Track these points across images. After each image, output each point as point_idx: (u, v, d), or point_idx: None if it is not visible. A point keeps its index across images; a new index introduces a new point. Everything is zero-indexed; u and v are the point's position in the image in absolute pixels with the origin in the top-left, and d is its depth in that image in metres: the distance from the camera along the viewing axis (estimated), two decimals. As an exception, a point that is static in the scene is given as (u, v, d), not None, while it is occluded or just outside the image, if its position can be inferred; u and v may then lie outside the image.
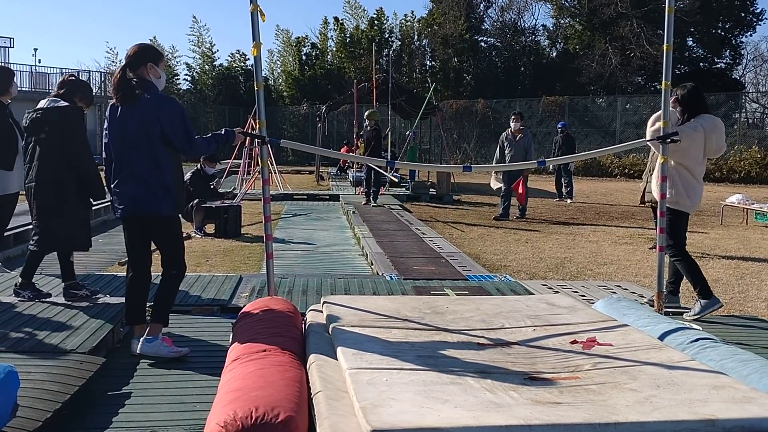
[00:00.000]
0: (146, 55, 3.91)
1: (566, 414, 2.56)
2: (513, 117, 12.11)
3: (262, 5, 4.31)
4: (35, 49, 62.11)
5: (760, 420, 2.54)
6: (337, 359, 3.21)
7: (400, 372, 2.97)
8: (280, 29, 38.82)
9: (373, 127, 13.34)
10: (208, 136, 4.14)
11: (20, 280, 4.88)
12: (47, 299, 4.80)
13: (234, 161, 16.89)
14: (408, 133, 19.40)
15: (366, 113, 13.76)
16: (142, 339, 3.87)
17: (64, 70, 32.60)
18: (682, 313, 5.02)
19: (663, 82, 4.51)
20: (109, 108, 3.94)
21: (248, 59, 36.96)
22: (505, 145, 11.86)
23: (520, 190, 11.65)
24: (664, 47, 4.45)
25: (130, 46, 3.97)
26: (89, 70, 34.02)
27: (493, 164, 12.78)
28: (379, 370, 2.96)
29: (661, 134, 4.68)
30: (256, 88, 4.51)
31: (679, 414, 2.56)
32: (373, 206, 12.70)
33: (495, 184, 12.32)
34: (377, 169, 13.12)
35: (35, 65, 33.69)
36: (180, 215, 4.18)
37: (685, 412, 2.58)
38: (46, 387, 3.09)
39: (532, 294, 5.34)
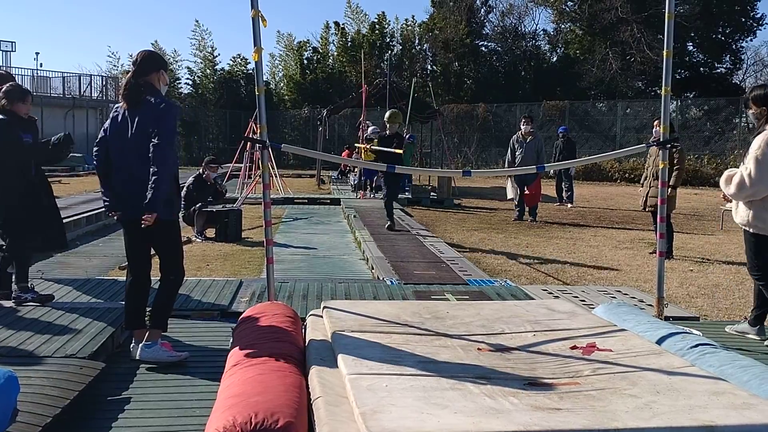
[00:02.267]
0: (157, 63, 3.98)
1: (566, 420, 2.56)
2: (523, 120, 12.24)
3: (264, 10, 4.33)
4: (37, 53, 62.44)
5: (760, 426, 2.53)
6: (337, 365, 3.21)
7: (400, 377, 2.97)
8: (284, 33, 38.92)
9: (395, 131, 11.76)
10: (167, 170, 3.79)
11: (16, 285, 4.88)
12: (49, 302, 4.81)
13: (235, 165, 16.92)
14: (406, 136, 19.34)
15: (387, 114, 11.81)
16: (141, 344, 3.87)
17: (65, 74, 32.70)
18: (682, 319, 5.02)
19: (663, 88, 4.52)
20: (113, 111, 3.99)
21: (249, 63, 37.00)
22: (516, 147, 11.99)
23: (531, 191, 11.78)
24: (664, 53, 4.46)
25: (137, 52, 4.01)
26: (90, 74, 34.09)
27: (498, 169, 12.79)
28: (379, 376, 2.96)
29: (661, 140, 4.68)
30: (257, 93, 4.53)
31: (678, 420, 2.56)
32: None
33: (510, 194, 12.34)
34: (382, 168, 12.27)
35: (37, 69, 33.74)
36: (179, 219, 4.18)
37: (684, 418, 2.57)
38: (46, 392, 3.09)
39: (533, 299, 5.34)
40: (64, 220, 9.64)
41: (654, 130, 8.05)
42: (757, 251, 4.51)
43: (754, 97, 4.50)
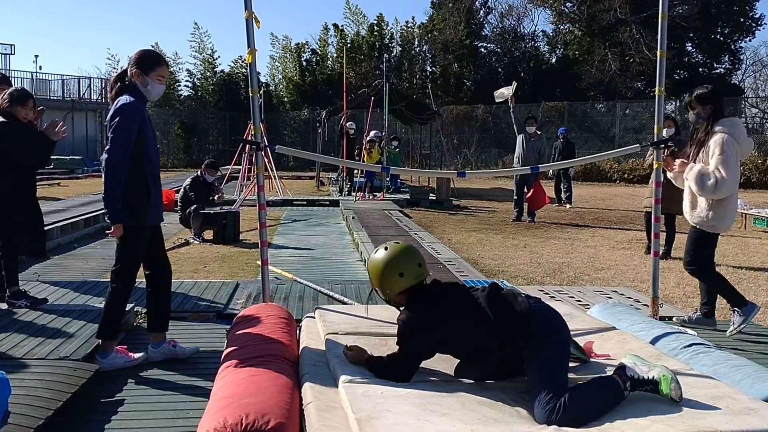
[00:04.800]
0: (138, 62, 3.83)
1: (565, 430, 2.55)
2: (526, 121, 12.30)
3: (262, 12, 4.36)
4: (36, 56, 62.59)
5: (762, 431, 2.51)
6: (330, 370, 3.19)
7: (396, 384, 2.94)
8: (281, 35, 38.98)
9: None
10: (114, 178, 3.66)
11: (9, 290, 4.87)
12: (44, 305, 4.80)
13: (234, 167, 16.92)
14: (392, 137, 19.23)
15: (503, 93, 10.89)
16: (96, 355, 3.77)
17: (65, 77, 32.73)
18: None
19: (657, 88, 4.51)
20: None
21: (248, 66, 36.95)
22: (523, 143, 12.04)
23: (530, 195, 11.77)
24: (658, 53, 4.46)
25: None
26: (90, 77, 34.12)
27: (493, 170, 12.76)
28: (374, 382, 2.93)
29: (656, 140, 4.68)
30: (251, 94, 4.55)
31: (678, 427, 2.52)
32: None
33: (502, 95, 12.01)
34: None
35: (36, 72, 33.77)
36: (140, 227, 3.83)
37: (684, 424, 2.54)
38: (39, 394, 3.08)
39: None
40: (62, 223, 9.71)
41: (665, 130, 7.83)
42: (701, 246, 4.71)
43: (698, 96, 4.65)
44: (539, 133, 12.32)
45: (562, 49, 34.58)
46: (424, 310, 3.00)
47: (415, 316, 2.98)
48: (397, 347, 3.04)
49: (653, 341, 3.64)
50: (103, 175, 3.71)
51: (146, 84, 3.82)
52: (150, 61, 3.87)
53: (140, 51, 3.93)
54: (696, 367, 3.21)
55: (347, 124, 16.99)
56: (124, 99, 3.73)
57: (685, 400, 2.76)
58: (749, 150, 4.73)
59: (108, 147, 3.66)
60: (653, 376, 2.77)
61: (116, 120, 3.66)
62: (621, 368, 2.81)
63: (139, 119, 3.73)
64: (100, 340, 3.82)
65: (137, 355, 3.87)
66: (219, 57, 55.95)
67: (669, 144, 4.67)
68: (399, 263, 3.09)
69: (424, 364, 3.11)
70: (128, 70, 3.83)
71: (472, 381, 3.07)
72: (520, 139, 12.24)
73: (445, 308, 2.98)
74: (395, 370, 3.01)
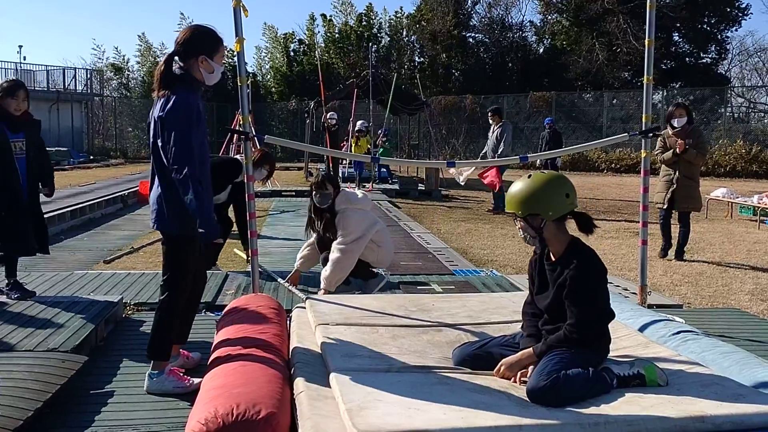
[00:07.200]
0: (199, 46, 3.19)
1: (556, 414, 2.57)
2: (489, 115, 12.49)
3: (250, 2, 4.30)
4: (20, 46, 61.81)
5: (750, 416, 2.55)
6: (321, 359, 3.19)
7: (387, 373, 2.95)
8: (267, 25, 38.66)
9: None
10: (199, 202, 3.10)
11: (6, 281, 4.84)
12: (32, 297, 4.77)
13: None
14: (380, 132, 19.12)
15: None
16: (148, 373, 3.37)
17: (49, 68, 32.34)
18: (665, 306, 5.06)
19: (645, 77, 4.53)
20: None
21: (236, 56, 36.69)
22: (489, 135, 12.23)
23: (491, 179, 11.63)
24: (646, 42, 4.47)
25: (182, 30, 3.28)
26: (75, 67, 33.73)
27: (482, 160, 12.74)
28: (365, 371, 2.94)
29: (644, 129, 4.70)
30: (239, 84, 4.53)
31: (667, 411, 2.56)
32: None
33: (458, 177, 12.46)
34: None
35: (20, 62, 33.30)
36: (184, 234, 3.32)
37: (673, 410, 2.57)
38: (28, 386, 3.06)
39: (519, 288, 5.35)
40: (49, 215, 9.61)
41: (675, 120, 7.38)
42: None
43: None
44: (504, 120, 12.49)
45: (549, 40, 34.61)
46: (599, 260, 2.89)
47: (599, 262, 2.90)
48: (581, 297, 2.82)
49: (641, 329, 3.67)
50: (175, 179, 3.13)
51: (212, 69, 3.24)
52: (212, 41, 3.25)
53: (195, 30, 3.24)
54: (684, 353, 3.24)
55: (327, 115, 16.89)
56: (175, 97, 3.14)
57: (674, 386, 2.80)
58: None
59: (172, 161, 3.08)
60: (638, 371, 2.83)
61: (172, 124, 3.09)
62: (606, 368, 2.86)
63: (195, 115, 3.16)
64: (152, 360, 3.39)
65: (195, 381, 3.30)
66: (205, 47, 55.22)
67: (658, 134, 4.68)
68: (564, 183, 2.92)
69: (418, 354, 3.12)
70: (183, 57, 3.21)
71: (463, 368, 3.08)
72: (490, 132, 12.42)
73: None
74: (602, 316, 2.87)
